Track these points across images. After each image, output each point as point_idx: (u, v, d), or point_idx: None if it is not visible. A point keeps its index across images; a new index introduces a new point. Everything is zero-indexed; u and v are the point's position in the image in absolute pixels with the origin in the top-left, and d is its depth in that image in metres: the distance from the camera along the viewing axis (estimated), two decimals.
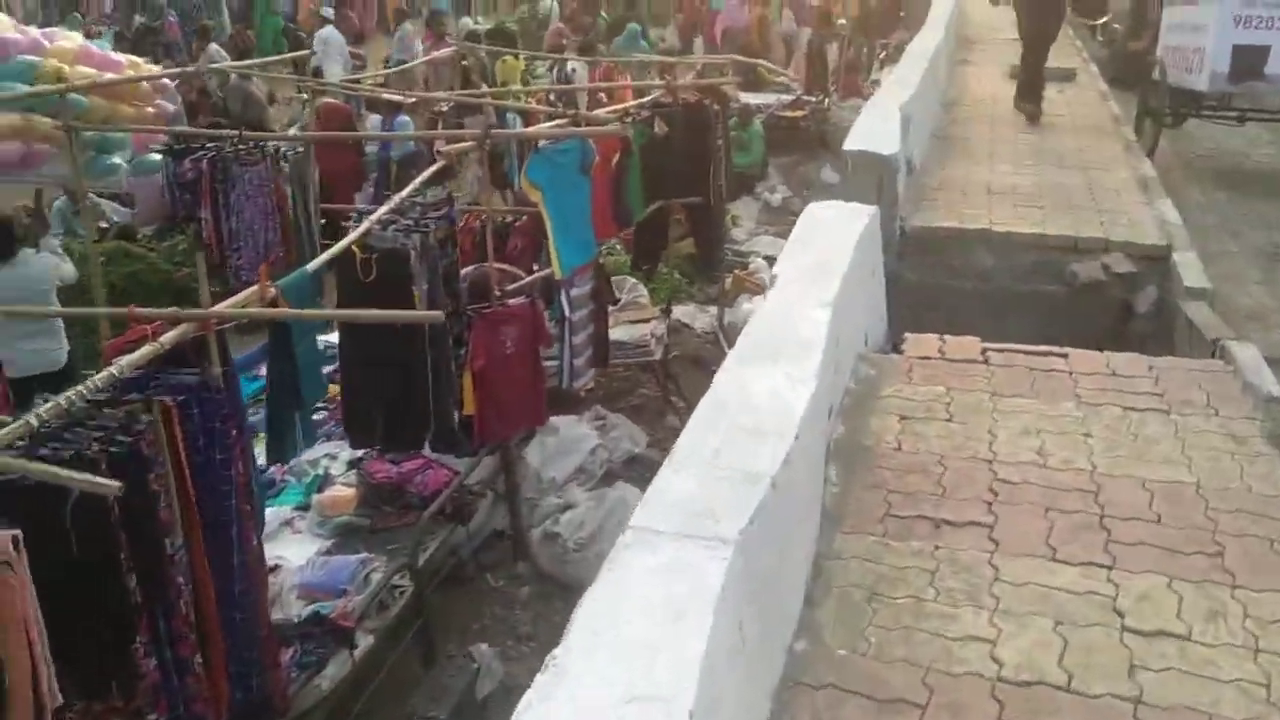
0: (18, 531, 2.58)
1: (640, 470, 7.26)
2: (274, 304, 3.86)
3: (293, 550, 5.39)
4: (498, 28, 17.03)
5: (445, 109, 9.48)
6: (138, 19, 17.32)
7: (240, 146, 5.92)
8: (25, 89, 6.58)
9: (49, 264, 6.48)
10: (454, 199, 5.85)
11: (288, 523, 5.69)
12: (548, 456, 7.03)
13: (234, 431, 3.44)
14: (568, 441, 7.14)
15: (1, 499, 2.74)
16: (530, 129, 6.73)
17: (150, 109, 6.51)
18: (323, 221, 7.34)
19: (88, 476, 2.56)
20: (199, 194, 5.89)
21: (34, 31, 6.61)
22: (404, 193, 5.11)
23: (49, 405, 2.97)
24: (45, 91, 5.68)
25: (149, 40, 15.33)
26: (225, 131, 6.21)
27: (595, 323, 6.94)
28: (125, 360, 3.20)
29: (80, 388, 3.11)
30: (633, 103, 7.69)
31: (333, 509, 5.58)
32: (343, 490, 5.76)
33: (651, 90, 7.87)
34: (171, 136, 6.41)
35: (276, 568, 5.03)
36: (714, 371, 9.11)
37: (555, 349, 6.63)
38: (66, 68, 6.15)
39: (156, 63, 14.77)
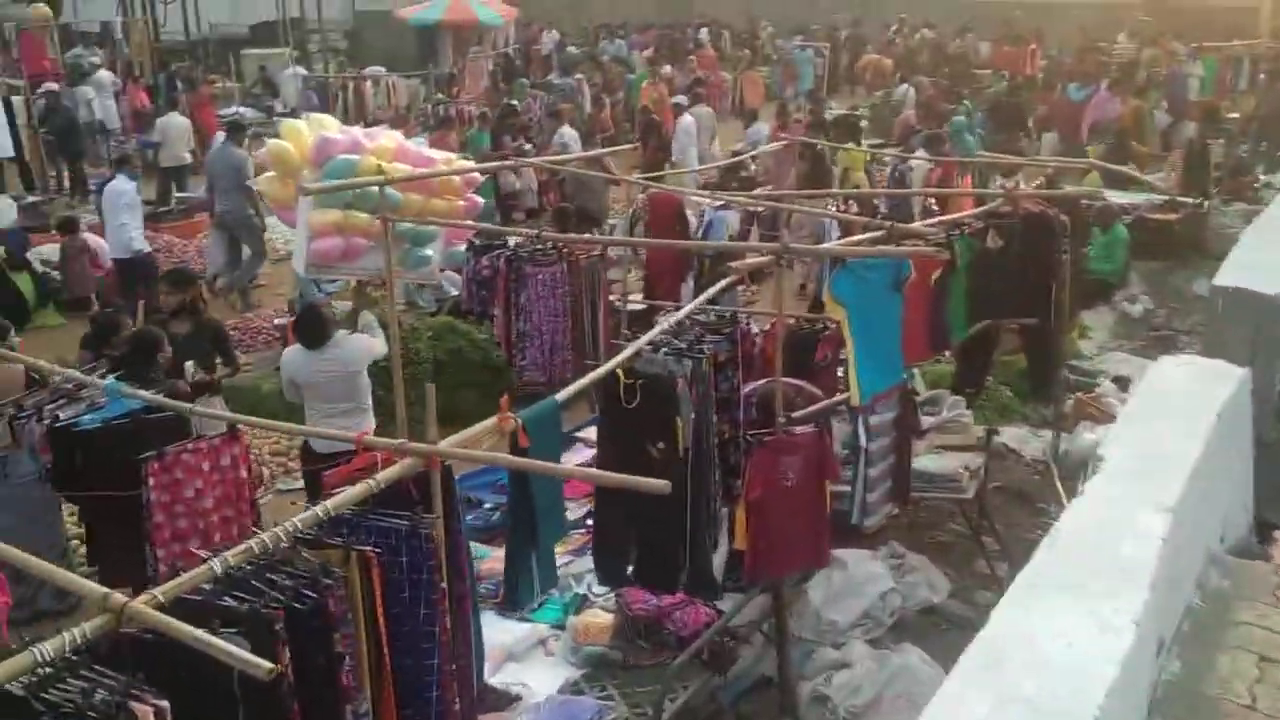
0: (165, 703, 2.36)
1: (937, 625, 6.46)
2: (514, 437, 3.57)
3: (541, 676, 5.11)
4: (842, 116, 16.61)
5: (761, 211, 9.15)
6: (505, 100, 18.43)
7: (537, 246, 5.86)
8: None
9: (362, 346, 6.67)
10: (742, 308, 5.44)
11: (542, 642, 5.42)
12: (831, 595, 6.37)
13: (442, 584, 3.13)
14: (856, 580, 6.45)
15: (167, 654, 2.55)
16: (835, 245, 6.20)
17: (461, 202, 6.63)
18: (641, 307, 7.17)
19: (237, 652, 2.30)
20: (494, 291, 5.88)
21: (356, 131, 6.94)
22: (687, 309, 4.73)
23: (241, 548, 2.77)
24: (364, 183, 5.91)
25: (508, 120, 16.16)
26: (524, 230, 6.16)
27: (896, 454, 6.27)
28: (334, 501, 2.98)
29: (286, 525, 2.90)
30: (965, 213, 6.97)
31: (586, 636, 5.25)
32: (600, 616, 5.42)
33: (990, 198, 7.11)
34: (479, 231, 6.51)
35: (517, 698, 4.74)
36: (1040, 509, 8.26)
37: (848, 474, 6.04)
38: (385, 164, 6.37)
39: (513, 141, 15.59)
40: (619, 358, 4.33)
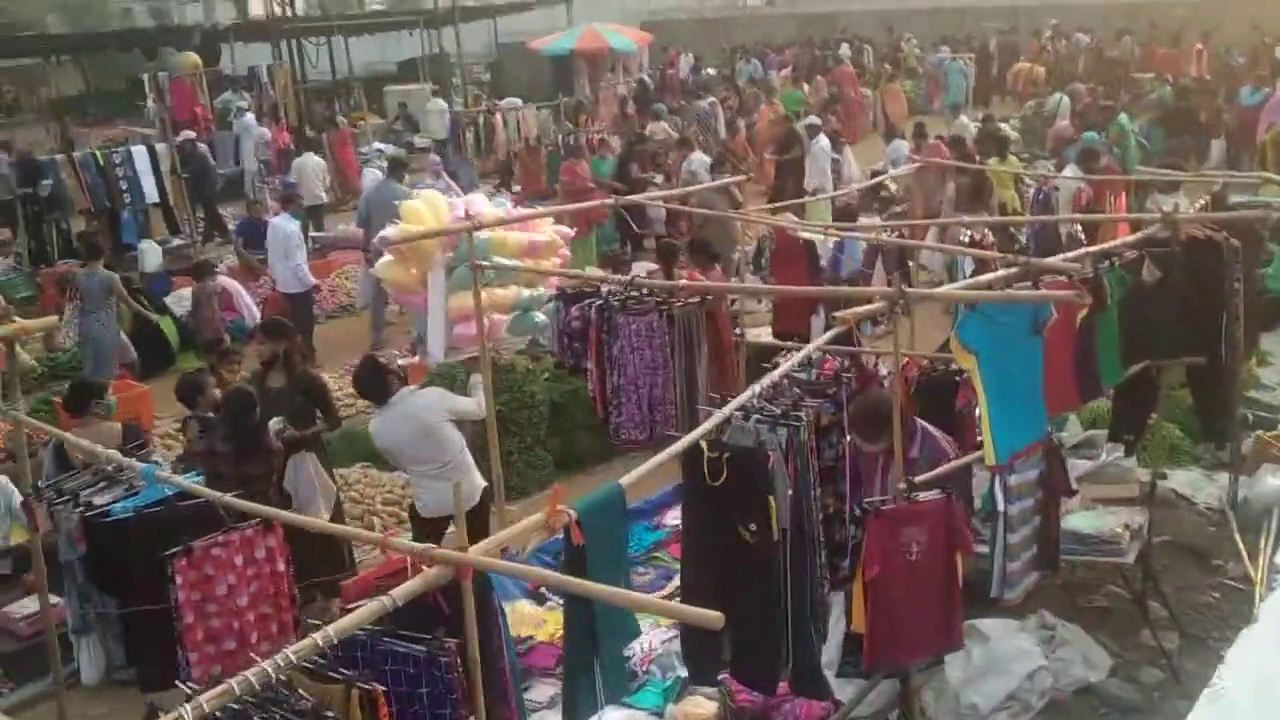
0: None
1: (1095, 709, 5.70)
2: (567, 532, 3.09)
3: None
4: (987, 129, 15.65)
5: (886, 236, 8.46)
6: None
7: (631, 294, 5.38)
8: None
9: (431, 398, 6.35)
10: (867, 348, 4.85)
11: None
12: (971, 674, 5.68)
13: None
14: (999, 657, 5.75)
15: None
16: (956, 289, 5.50)
17: (557, 259, 6.32)
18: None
19: None
20: (587, 343, 5.45)
21: (457, 203, 6.65)
22: (781, 369, 4.16)
23: (220, 690, 2.36)
24: (449, 231, 5.60)
25: (635, 147, 15.84)
26: (615, 277, 5.69)
27: (1042, 516, 5.57)
28: (341, 624, 2.55)
29: (279, 656, 2.48)
30: (1117, 241, 6.19)
31: None
32: (702, 705, 4.89)
33: (1146, 223, 6.30)
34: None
35: None
36: (1215, 567, 7.30)
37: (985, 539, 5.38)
38: (501, 232, 6.18)
39: (640, 170, 15.23)
40: (702, 428, 3.81)
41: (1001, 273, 5.25)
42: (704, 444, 3.79)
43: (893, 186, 15.76)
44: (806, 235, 10.52)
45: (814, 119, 16.61)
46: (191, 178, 16.52)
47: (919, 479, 4.81)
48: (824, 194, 14.72)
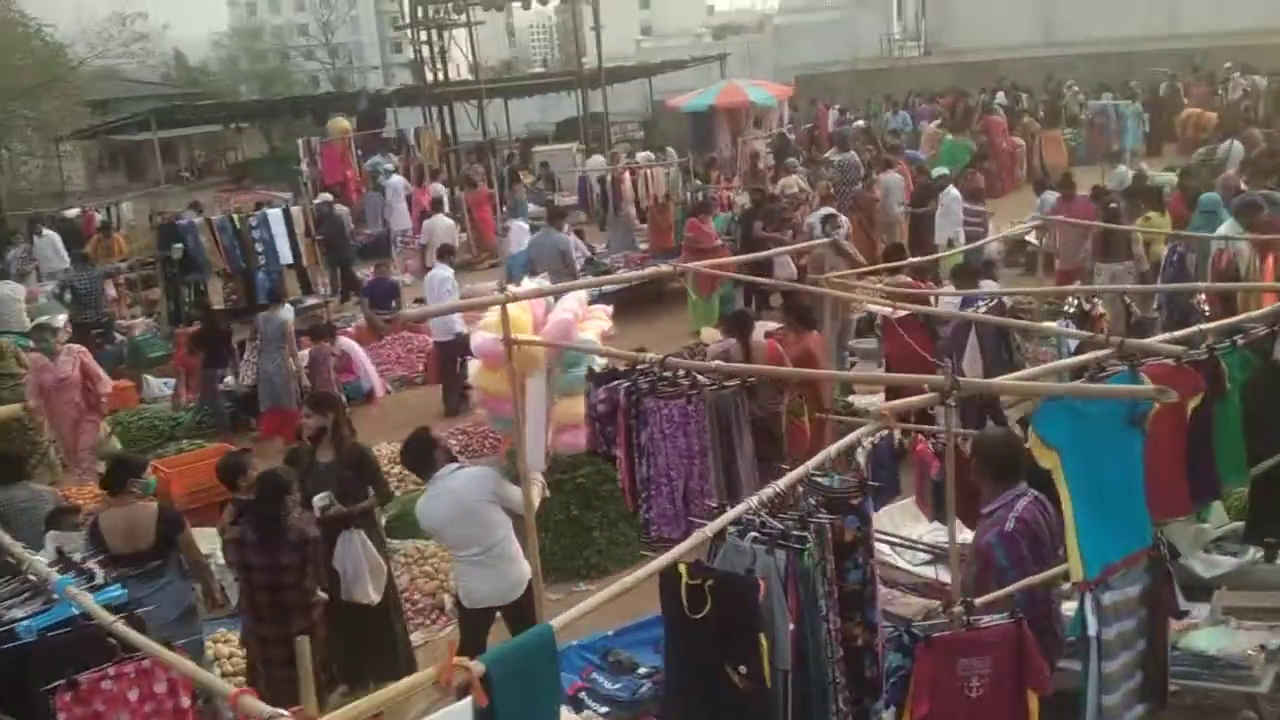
0: None
1: None
2: (472, 692, 2.56)
3: None
4: (1139, 180, 14.51)
5: (985, 307, 7.64)
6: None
7: (663, 374, 4.82)
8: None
9: (475, 477, 5.95)
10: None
11: None
12: None
13: None
14: None
15: None
16: (1011, 380, 4.72)
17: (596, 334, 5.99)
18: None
19: None
20: (616, 428, 4.92)
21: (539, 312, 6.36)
22: (794, 474, 3.56)
23: None
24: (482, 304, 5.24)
25: (762, 204, 15.34)
26: (648, 355, 5.13)
27: (1147, 640, 4.75)
28: None
29: None
30: (1244, 315, 5.33)
31: None
32: None
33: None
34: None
35: None
36: None
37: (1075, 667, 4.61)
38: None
39: (763, 228, 14.68)
40: (681, 546, 3.23)
41: (1088, 356, 4.51)
42: (682, 567, 3.23)
43: (1034, 241, 14.77)
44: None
45: (942, 170, 15.70)
46: (325, 239, 16.88)
47: (980, 599, 4.12)
48: (956, 248, 13.87)
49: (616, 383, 5.07)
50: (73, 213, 19.82)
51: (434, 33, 26.09)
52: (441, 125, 26.16)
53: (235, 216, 15.79)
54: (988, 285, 9.57)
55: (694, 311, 14.35)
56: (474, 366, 6.71)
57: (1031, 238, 15.62)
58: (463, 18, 26.07)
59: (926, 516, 6.83)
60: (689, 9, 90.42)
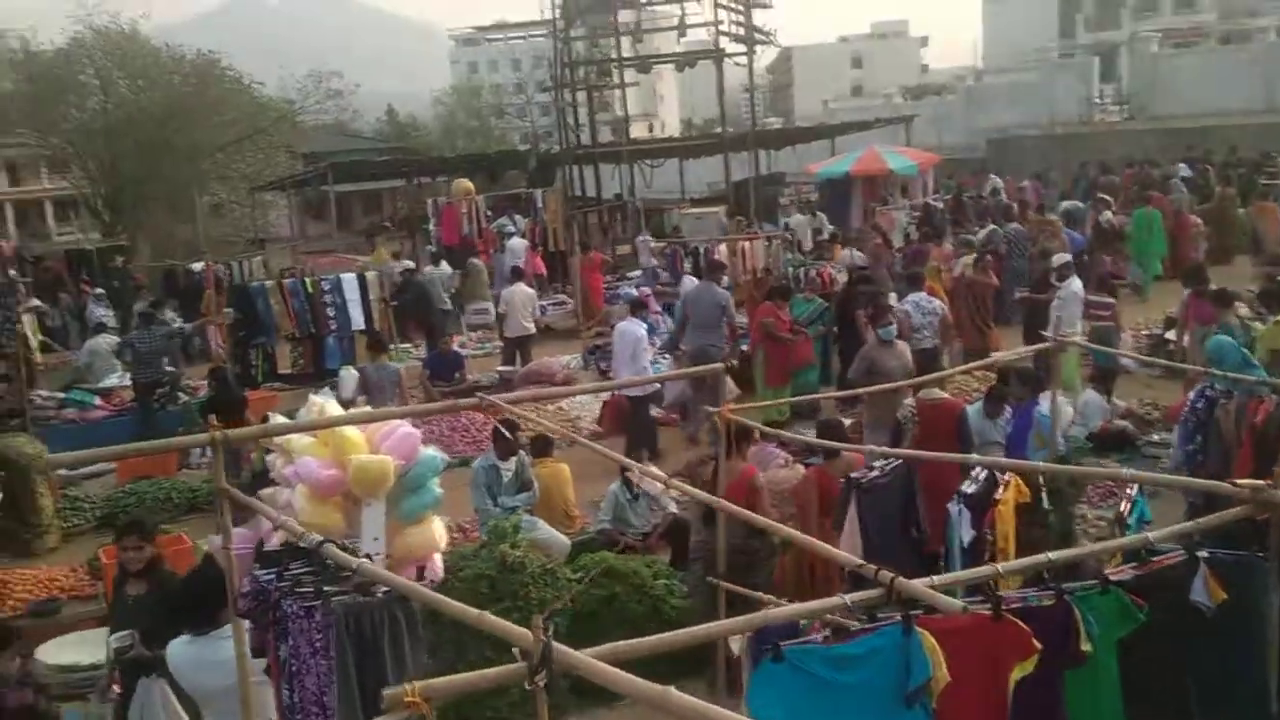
0: None
1: None
2: None
3: None
4: (1267, 284, 12.19)
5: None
6: None
7: (306, 571, 3.48)
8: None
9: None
10: None
11: None
12: None
13: None
14: None
15: None
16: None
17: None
18: None
19: None
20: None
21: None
22: None
23: None
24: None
25: (857, 286, 13.86)
26: (314, 537, 3.74)
27: None
28: None
29: None
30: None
31: None
32: None
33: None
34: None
35: None
36: None
37: None
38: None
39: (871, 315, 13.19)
40: None
41: (858, 595, 3.04)
42: None
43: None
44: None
45: (1065, 256, 13.70)
46: (402, 306, 16.44)
47: None
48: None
49: (272, 571, 3.79)
50: (198, 266, 20.21)
51: (580, 94, 25.72)
52: (578, 185, 25.65)
53: (308, 280, 15.53)
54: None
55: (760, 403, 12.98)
56: (298, 497, 5.73)
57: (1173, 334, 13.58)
58: (607, 80, 25.61)
59: None
60: (902, 69, 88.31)
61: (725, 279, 13.97)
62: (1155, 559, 3.45)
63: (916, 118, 39.01)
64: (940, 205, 22.85)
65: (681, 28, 27.01)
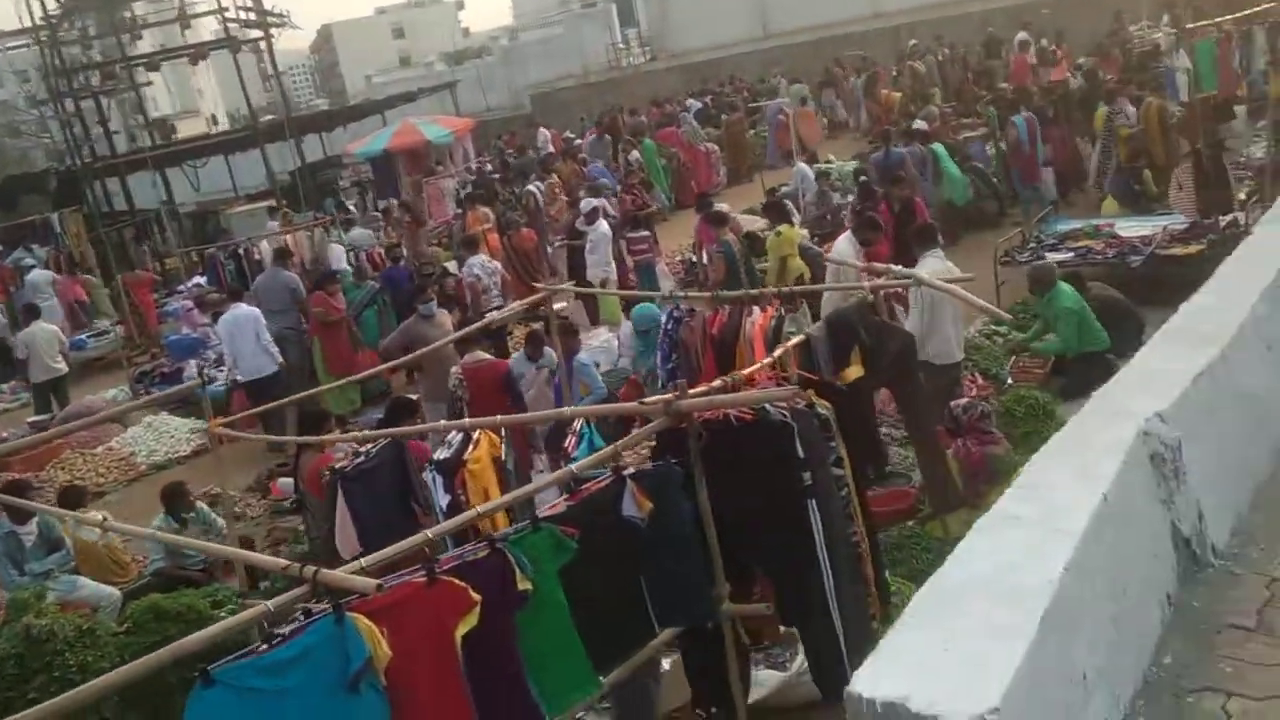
0: None
1: None
2: None
3: None
4: (771, 193, 13.59)
5: None
6: None
7: None
8: None
9: None
10: None
11: None
12: None
13: None
14: None
15: None
16: None
17: None
18: None
19: None
20: None
21: None
22: None
23: None
24: None
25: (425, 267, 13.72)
26: None
27: None
28: None
29: None
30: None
31: None
32: None
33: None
34: None
35: None
36: None
37: None
38: None
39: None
40: None
41: (279, 599, 3.04)
42: None
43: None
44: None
45: (591, 201, 14.35)
46: None
47: None
48: (607, 287, 12.65)
49: None
50: None
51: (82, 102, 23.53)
52: (127, 196, 23.42)
53: None
54: None
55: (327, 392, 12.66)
56: None
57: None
58: (115, 82, 23.59)
59: None
60: (444, 36, 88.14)
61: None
62: (584, 486, 3.75)
63: (460, 82, 39.29)
64: (490, 167, 23.19)
65: (183, 19, 25.28)
